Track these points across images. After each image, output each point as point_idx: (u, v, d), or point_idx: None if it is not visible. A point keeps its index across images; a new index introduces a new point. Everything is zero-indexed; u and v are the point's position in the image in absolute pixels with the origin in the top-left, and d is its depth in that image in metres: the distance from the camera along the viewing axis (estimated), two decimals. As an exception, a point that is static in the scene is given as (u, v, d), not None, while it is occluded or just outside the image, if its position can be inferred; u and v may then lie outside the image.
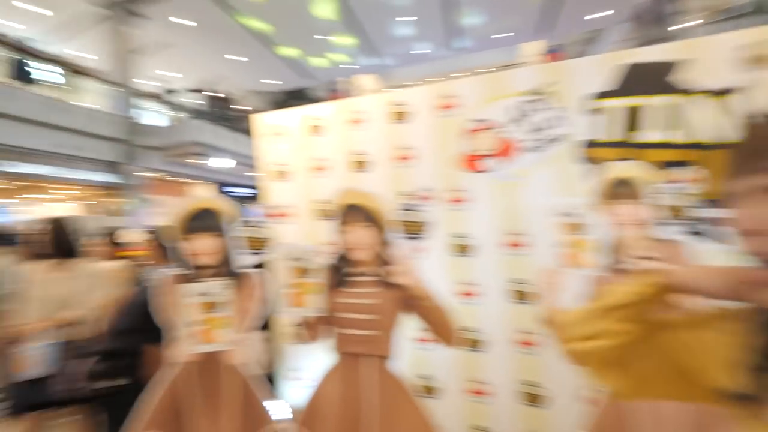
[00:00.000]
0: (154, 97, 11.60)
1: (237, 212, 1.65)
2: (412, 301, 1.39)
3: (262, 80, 14.61)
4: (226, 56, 12.58)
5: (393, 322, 1.42)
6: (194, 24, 10.60)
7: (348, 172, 2.26)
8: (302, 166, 2.37)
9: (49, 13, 10.15)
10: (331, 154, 2.31)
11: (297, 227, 2.37)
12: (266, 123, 2.48)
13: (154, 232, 1.93)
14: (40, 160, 8.31)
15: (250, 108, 13.94)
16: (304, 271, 1.42)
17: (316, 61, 13.34)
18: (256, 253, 1.63)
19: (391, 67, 15.11)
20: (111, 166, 9.64)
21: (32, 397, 1.99)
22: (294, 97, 15.84)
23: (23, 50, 8.33)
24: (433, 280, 1.41)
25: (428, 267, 1.96)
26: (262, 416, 1.49)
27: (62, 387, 1.94)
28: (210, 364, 1.44)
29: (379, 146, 2.21)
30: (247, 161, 12.43)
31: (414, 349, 2.06)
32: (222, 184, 14.01)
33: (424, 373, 2.11)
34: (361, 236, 1.42)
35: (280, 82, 14.92)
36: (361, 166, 2.24)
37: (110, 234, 3.28)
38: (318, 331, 1.48)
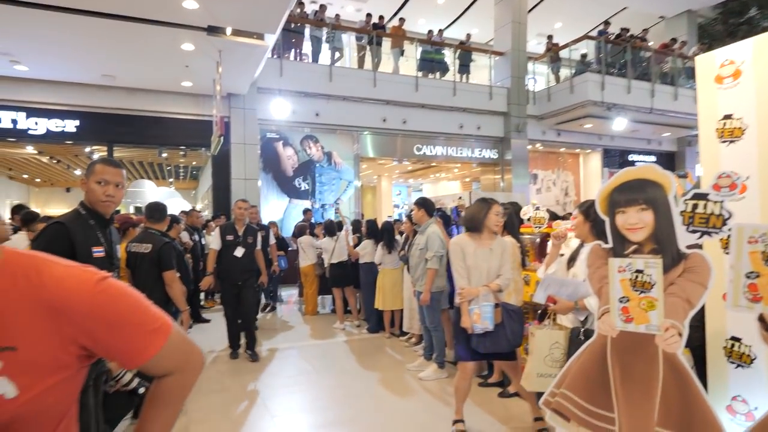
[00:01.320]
0: (543, 58, 12.07)
1: (673, 183, 1.67)
2: None
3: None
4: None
5: None
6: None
7: None
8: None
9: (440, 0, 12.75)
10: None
11: (757, 202, 2.12)
12: (712, 63, 2.28)
13: (581, 207, 2.28)
14: (438, 141, 10.87)
15: (668, 44, 12.44)
16: None
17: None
18: (702, 232, 1.59)
19: None
20: (496, 141, 11.39)
21: (477, 347, 2.75)
22: (741, 13, 12.74)
23: (426, 42, 10.92)
24: None
25: None
26: (706, 418, 1.46)
27: (502, 343, 2.69)
28: (635, 343, 1.57)
29: None
30: (660, 119, 11.20)
31: None
32: (625, 152, 13.22)
33: None
34: None
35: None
36: None
37: (509, 210, 4.03)
38: None
